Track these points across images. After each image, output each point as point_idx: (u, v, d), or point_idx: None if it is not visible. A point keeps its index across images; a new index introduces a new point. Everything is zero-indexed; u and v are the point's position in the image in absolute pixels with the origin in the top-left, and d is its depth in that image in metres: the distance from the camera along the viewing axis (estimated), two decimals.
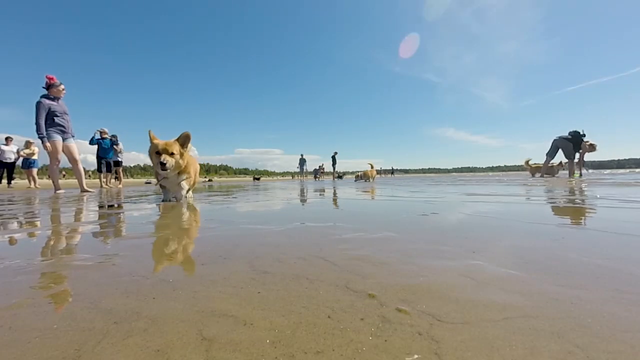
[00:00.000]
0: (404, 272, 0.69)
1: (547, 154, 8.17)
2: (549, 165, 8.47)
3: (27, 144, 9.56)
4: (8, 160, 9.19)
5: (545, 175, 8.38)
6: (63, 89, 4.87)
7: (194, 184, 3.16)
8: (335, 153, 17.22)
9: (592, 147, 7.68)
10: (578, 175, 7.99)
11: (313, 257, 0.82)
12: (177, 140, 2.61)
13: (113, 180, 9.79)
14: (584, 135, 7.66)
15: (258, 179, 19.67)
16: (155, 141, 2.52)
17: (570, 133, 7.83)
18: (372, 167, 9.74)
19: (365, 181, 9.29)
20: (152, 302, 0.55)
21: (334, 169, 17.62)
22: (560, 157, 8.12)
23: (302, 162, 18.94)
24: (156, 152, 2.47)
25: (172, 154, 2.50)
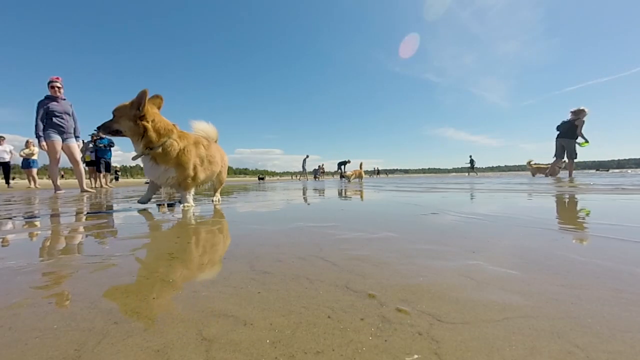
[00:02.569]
0: (403, 272, 0.69)
1: (555, 155, 8.07)
2: (549, 165, 8.42)
3: (27, 144, 9.57)
4: (3, 160, 9.18)
5: (549, 176, 8.32)
6: (58, 88, 4.84)
7: (220, 183, 2.55)
8: (348, 161, 17.34)
9: (580, 113, 7.42)
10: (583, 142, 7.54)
11: (313, 257, 0.82)
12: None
13: (114, 181, 9.80)
14: (571, 117, 7.49)
15: (262, 178, 20.52)
16: None
17: (558, 128, 7.71)
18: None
19: (348, 181, 10.35)
20: (152, 302, 0.55)
21: (342, 170, 17.67)
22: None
23: (305, 162, 19.26)
24: None
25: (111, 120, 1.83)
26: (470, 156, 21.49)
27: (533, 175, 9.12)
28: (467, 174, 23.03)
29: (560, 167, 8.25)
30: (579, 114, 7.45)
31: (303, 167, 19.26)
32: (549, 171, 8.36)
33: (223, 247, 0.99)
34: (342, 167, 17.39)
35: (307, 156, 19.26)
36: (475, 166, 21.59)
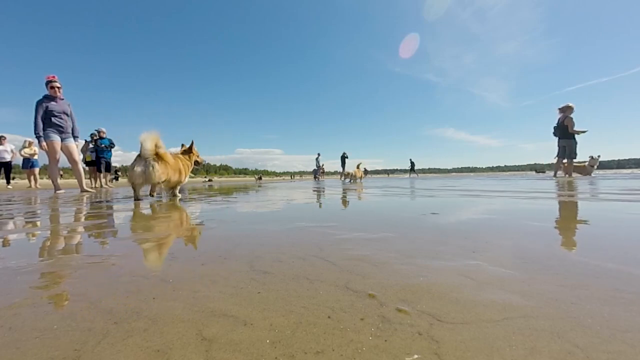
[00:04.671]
0: (403, 272, 0.69)
1: (557, 155, 8.21)
2: (577, 164, 8.51)
3: (28, 144, 9.55)
4: (3, 160, 9.14)
5: (586, 175, 8.42)
6: (58, 88, 4.84)
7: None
8: (344, 154, 16.98)
9: (566, 110, 7.60)
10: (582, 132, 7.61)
11: (313, 257, 0.82)
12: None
13: (114, 181, 9.79)
14: (559, 117, 7.65)
15: (260, 178, 22.32)
16: None
17: (554, 134, 7.89)
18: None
19: (354, 181, 10.27)
20: (152, 302, 0.55)
21: (343, 169, 17.09)
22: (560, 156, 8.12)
23: (318, 161, 18.58)
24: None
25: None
26: (410, 159, 24.84)
27: (566, 174, 9.22)
28: (409, 175, 26.47)
29: (593, 166, 8.34)
30: (565, 111, 7.64)
31: (317, 165, 18.52)
32: (584, 170, 8.45)
33: (223, 247, 0.99)
34: (344, 166, 16.93)
35: (319, 154, 18.38)
36: (415, 168, 24.73)
